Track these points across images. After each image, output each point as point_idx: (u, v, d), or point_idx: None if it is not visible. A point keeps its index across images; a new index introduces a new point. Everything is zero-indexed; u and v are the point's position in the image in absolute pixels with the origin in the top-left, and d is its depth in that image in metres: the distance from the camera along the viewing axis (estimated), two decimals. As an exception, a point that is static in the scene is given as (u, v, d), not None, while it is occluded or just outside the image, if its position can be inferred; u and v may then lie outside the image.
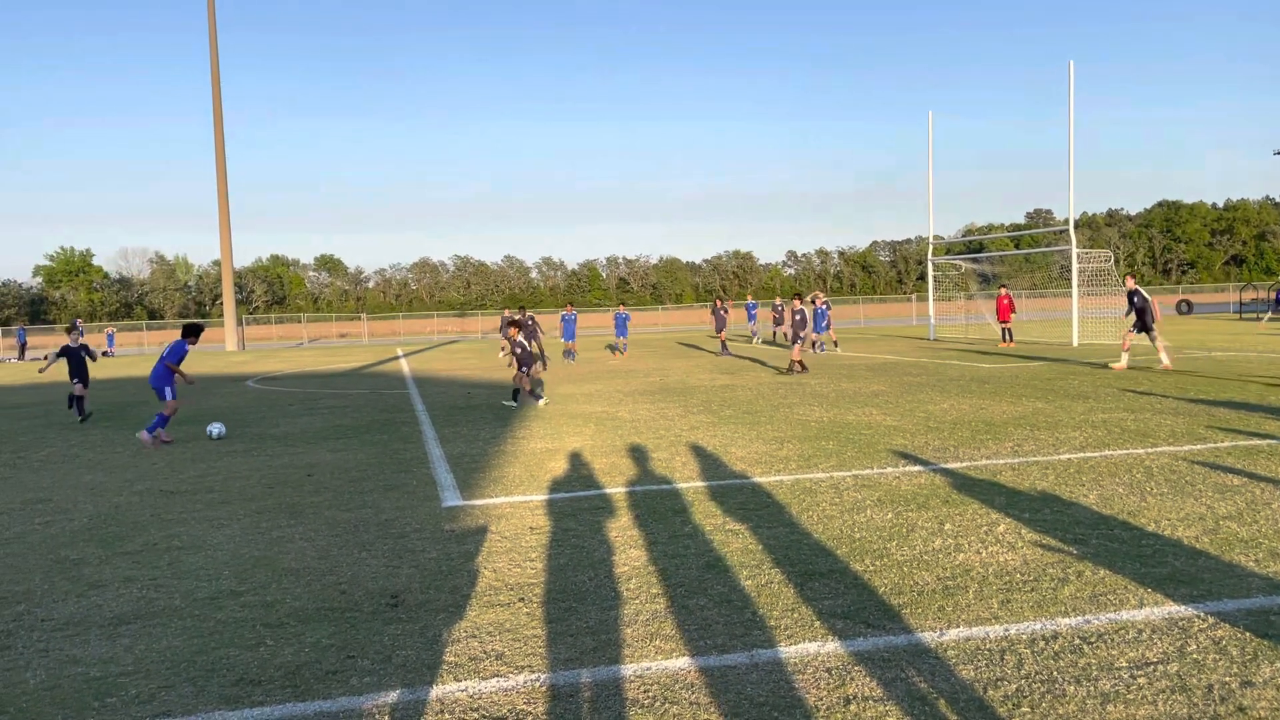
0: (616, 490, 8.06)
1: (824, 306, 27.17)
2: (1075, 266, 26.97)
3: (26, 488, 9.24)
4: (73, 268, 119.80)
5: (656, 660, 4.23)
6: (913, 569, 5.48)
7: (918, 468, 8.60)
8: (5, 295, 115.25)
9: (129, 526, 7.34)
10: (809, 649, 4.30)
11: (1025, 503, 7.06)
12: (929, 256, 35.38)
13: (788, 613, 4.78)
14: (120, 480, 9.46)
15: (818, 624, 4.61)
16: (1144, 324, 18.02)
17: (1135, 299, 18.21)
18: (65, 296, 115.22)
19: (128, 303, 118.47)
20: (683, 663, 4.19)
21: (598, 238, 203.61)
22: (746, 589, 5.18)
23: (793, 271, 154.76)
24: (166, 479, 9.44)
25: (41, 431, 14.05)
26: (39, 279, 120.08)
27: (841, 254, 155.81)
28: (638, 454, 9.89)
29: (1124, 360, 18.24)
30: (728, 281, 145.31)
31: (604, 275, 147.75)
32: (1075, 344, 25.95)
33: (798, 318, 19.94)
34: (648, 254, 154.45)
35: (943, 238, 42.19)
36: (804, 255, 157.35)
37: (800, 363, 19.90)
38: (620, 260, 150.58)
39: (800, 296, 20.77)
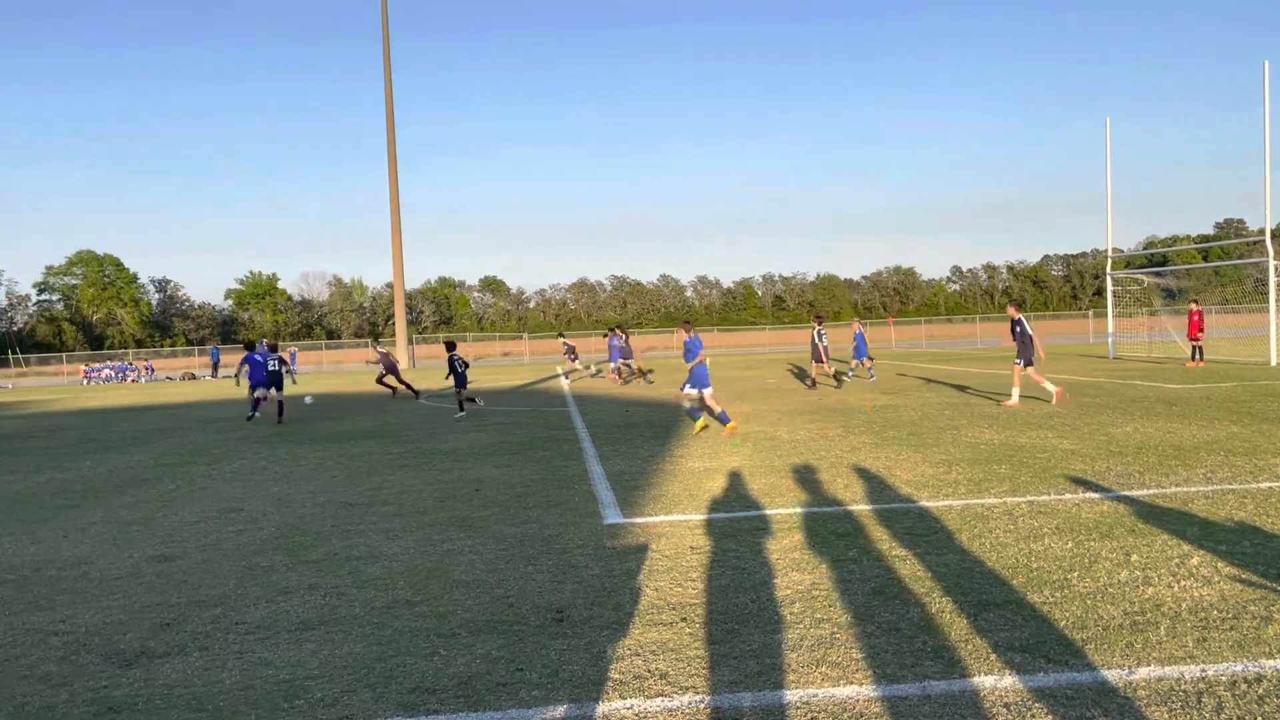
0: (777, 511, 7.96)
1: (859, 331, 26.13)
2: (1273, 279, 25.00)
3: (221, 498, 9.91)
4: (260, 290, 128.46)
5: (823, 687, 4.14)
6: (1097, 602, 5.17)
7: (1099, 495, 8.14)
8: (201, 316, 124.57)
9: (312, 536, 7.76)
10: (985, 683, 4.11)
11: (1221, 534, 6.56)
12: (1108, 270, 33.54)
13: (961, 643, 4.59)
14: (304, 492, 10.03)
15: (993, 657, 4.41)
16: (1026, 356, 16.42)
17: (1017, 329, 16.68)
18: (253, 318, 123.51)
19: (308, 323, 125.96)
20: (850, 691, 4.08)
21: (753, 255, 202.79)
22: (916, 617, 5.01)
23: (957, 287, 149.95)
24: (345, 491, 9.94)
25: (234, 444, 15.06)
26: (230, 301, 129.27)
27: (1010, 268, 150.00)
28: (798, 475, 9.75)
29: (1015, 396, 16.43)
30: (888, 298, 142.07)
31: (759, 293, 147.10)
32: (1274, 363, 24.04)
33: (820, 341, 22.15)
34: (804, 271, 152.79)
35: (1122, 250, 39.60)
36: (970, 270, 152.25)
37: (813, 379, 22.96)
38: (776, 277, 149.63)
39: (820, 319, 23.11)
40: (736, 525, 7.50)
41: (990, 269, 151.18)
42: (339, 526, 8.10)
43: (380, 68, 53.26)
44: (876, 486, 8.91)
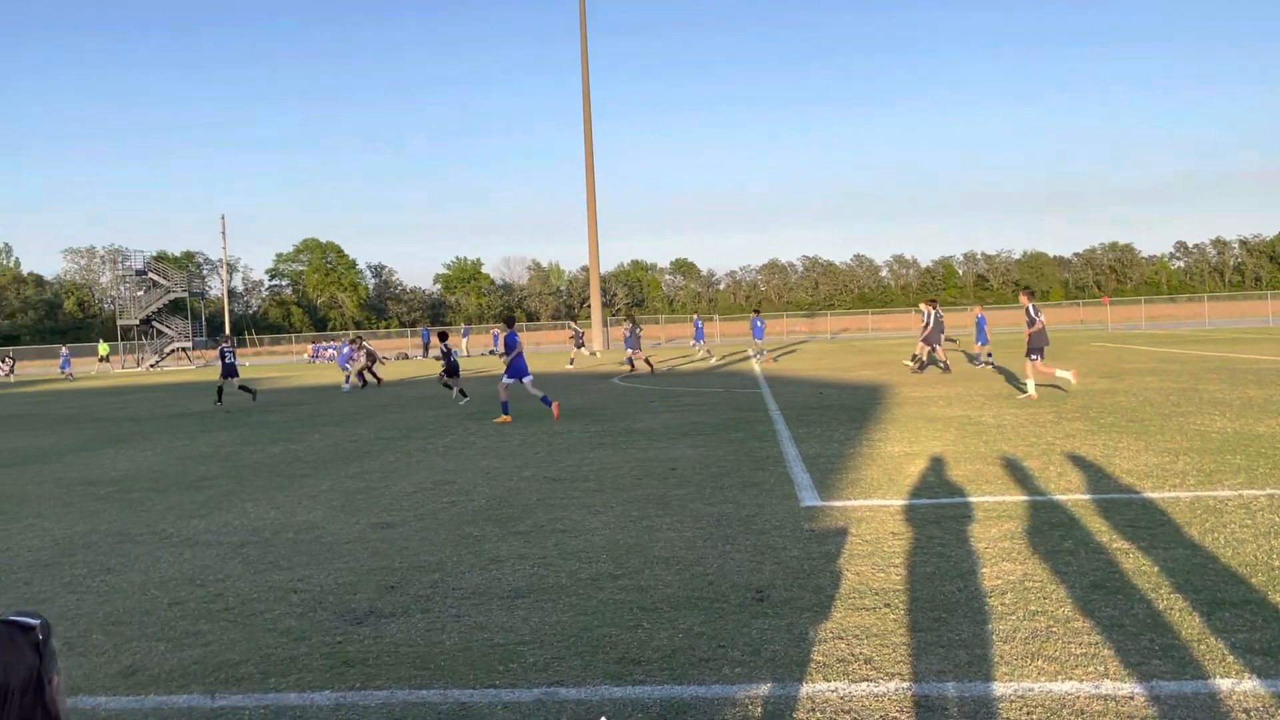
0: (982, 499, 7.66)
1: (982, 316, 24.84)
2: None
3: (435, 470, 10.49)
4: (465, 275, 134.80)
5: (1039, 682, 3.96)
6: (1353, 607, 4.70)
7: (1353, 490, 7.37)
8: (412, 300, 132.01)
9: (519, 508, 8.10)
10: (1221, 686, 3.82)
11: None
12: (1360, 243, 30.20)
13: (1193, 643, 4.28)
14: (510, 466, 10.48)
15: (1230, 659, 4.09)
16: (1037, 346, 15.41)
17: (1029, 315, 15.68)
18: (459, 301, 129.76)
19: (509, 306, 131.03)
20: (1069, 687, 3.89)
21: (953, 232, 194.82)
22: (1141, 614, 4.71)
23: (1182, 264, 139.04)
24: (549, 467, 10.31)
25: (445, 420, 15.90)
26: (438, 286, 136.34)
27: (1244, 243, 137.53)
28: (1005, 461, 9.34)
29: (1031, 389, 15.39)
30: (1103, 277, 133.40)
31: (960, 272, 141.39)
32: None
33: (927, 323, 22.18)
34: (1009, 249, 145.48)
35: (1378, 220, 35.39)
36: (1196, 246, 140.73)
37: (920, 361, 22.30)
38: (979, 255, 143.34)
39: (934, 303, 22.86)
40: (940, 512, 7.27)
41: (1220, 244, 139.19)
42: (544, 500, 8.42)
43: (578, 55, 54.45)
44: (1094, 475, 8.41)
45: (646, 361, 28.24)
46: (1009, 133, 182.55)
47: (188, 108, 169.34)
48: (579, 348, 35.56)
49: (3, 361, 57.05)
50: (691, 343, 34.23)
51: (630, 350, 28.05)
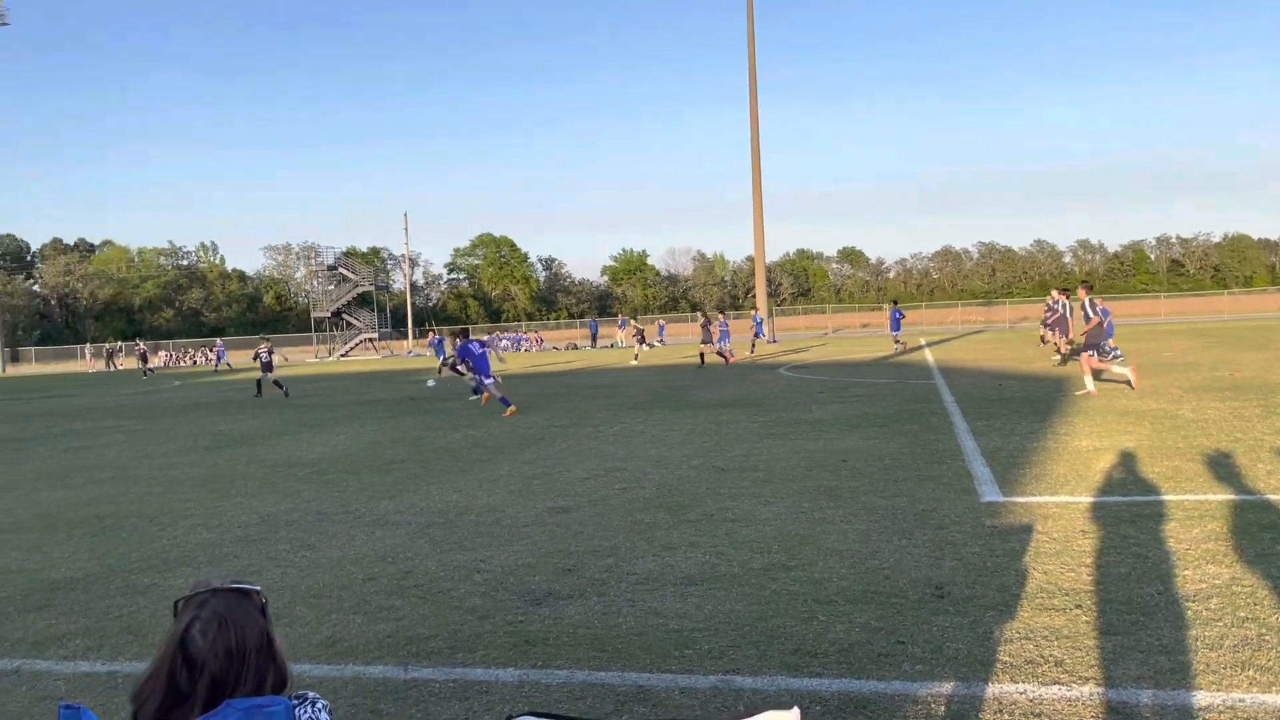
0: (1181, 497, 7.18)
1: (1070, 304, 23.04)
2: None
3: (606, 458, 10.70)
4: (631, 266, 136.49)
5: (1250, 693, 3.69)
6: None
7: None
8: (580, 291, 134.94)
9: (689, 497, 8.16)
10: None
11: None
12: None
13: None
14: (679, 455, 10.57)
15: None
16: (1094, 342, 15.11)
17: (1085, 312, 15.49)
18: (625, 292, 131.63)
19: (674, 297, 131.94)
20: (1286, 702, 3.61)
21: (1144, 215, 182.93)
22: (1370, 626, 4.31)
23: None
24: (717, 457, 10.33)
25: (614, 410, 16.19)
26: (605, 277, 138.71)
27: None
28: (1207, 458, 8.72)
29: (1132, 379, 14.94)
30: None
31: (1152, 258, 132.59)
32: None
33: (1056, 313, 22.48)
34: (1208, 231, 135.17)
35: None
36: None
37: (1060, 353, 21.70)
38: (1173, 239, 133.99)
39: (1067, 291, 22.32)
40: (1135, 510, 6.87)
41: None
42: (713, 489, 8.46)
43: (745, 40, 54.12)
44: (1310, 475, 7.74)
45: (701, 356, 28.75)
46: (1207, 108, 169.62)
47: (372, 109, 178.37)
48: (641, 344, 36.43)
49: (212, 350, 61.91)
50: (752, 339, 35.21)
51: (719, 344, 28.59)
